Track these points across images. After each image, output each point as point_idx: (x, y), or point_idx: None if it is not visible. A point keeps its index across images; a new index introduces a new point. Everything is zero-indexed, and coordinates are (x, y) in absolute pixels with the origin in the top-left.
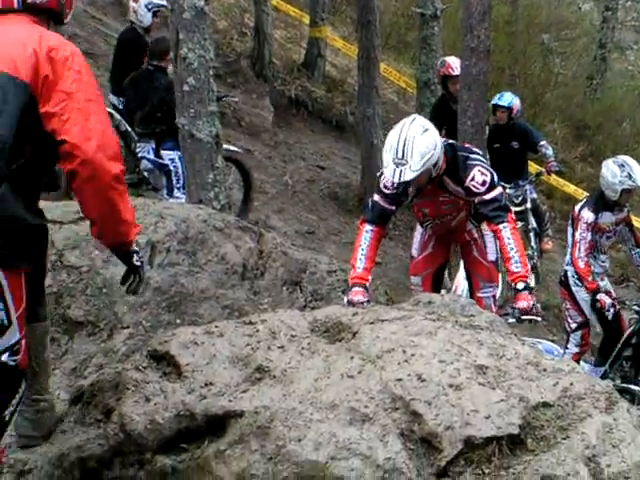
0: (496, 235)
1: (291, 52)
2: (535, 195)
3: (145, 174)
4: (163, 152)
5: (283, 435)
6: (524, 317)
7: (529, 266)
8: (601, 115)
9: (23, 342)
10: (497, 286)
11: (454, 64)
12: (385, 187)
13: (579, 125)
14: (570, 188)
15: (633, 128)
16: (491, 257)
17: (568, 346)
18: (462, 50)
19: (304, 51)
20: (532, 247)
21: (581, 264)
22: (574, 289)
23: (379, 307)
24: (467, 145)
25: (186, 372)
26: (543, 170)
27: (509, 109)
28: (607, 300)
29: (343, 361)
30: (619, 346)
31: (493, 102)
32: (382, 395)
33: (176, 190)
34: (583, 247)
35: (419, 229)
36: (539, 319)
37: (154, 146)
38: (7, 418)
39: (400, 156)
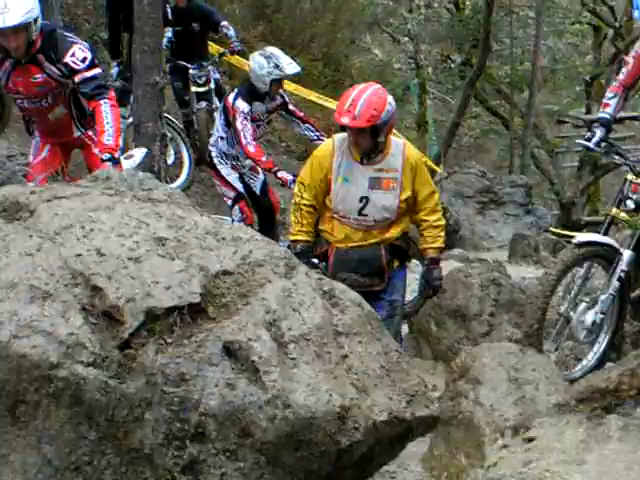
0: (96, 110)
1: None
2: (218, 75)
3: None
4: None
5: None
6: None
7: (121, 142)
8: None
9: None
10: None
11: None
12: None
13: (258, 4)
14: (250, 67)
15: (312, 6)
16: None
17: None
18: None
19: None
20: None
21: (251, 149)
22: (219, 167)
23: (57, 185)
24: None
25: None
26: (226, 50)
27: None
28: (289, 177)
29: (21, 239)
30: None
31: None
32: (62, 271)
33: None
34: (248, 134)
35: (35, 137)
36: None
37: None
38: None
39: (2, 5)
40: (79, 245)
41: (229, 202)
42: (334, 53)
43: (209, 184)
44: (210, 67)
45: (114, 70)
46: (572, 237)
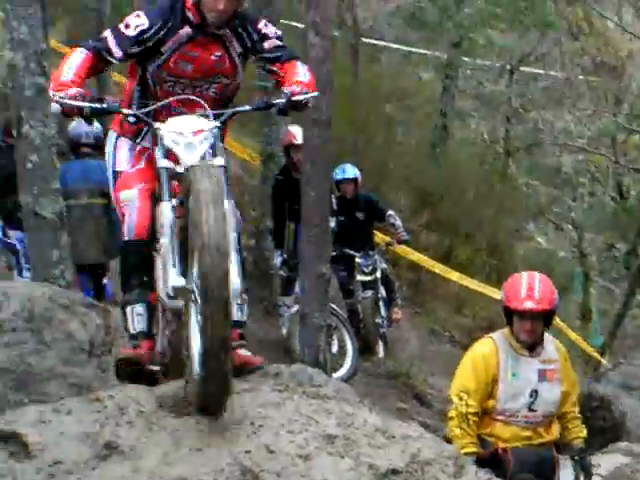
0: (293, 63)
1: None
2: (385, 265)
3: None
4: (10, 231)
5: None
6: (294, 98)
7: None
8: (444, 182)
9: None
10: None
11: (297, 133)
12: (127, 26)
13: (423, 193)
14: (415, 256)
15: (476, 193)
16: None
17: None
18: (304, 121)
19: None
20: (382, 316)
21: None
22: None
23: None
24: None
25: (34, 451)
26: (393, 240)
27: (355, 180)
28: None
29: (191, 434)
30: None
31: (337, 178)
32: (231, 468)
33: (25, 270)
34: None
35: (124, 145)
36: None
37: (1, 224)
38: None
39: None
40: (248, 441)
41: None
42: (498, 242)
43: (373, 373)
44: (376, 256)
45: (278, 259)
46: None
